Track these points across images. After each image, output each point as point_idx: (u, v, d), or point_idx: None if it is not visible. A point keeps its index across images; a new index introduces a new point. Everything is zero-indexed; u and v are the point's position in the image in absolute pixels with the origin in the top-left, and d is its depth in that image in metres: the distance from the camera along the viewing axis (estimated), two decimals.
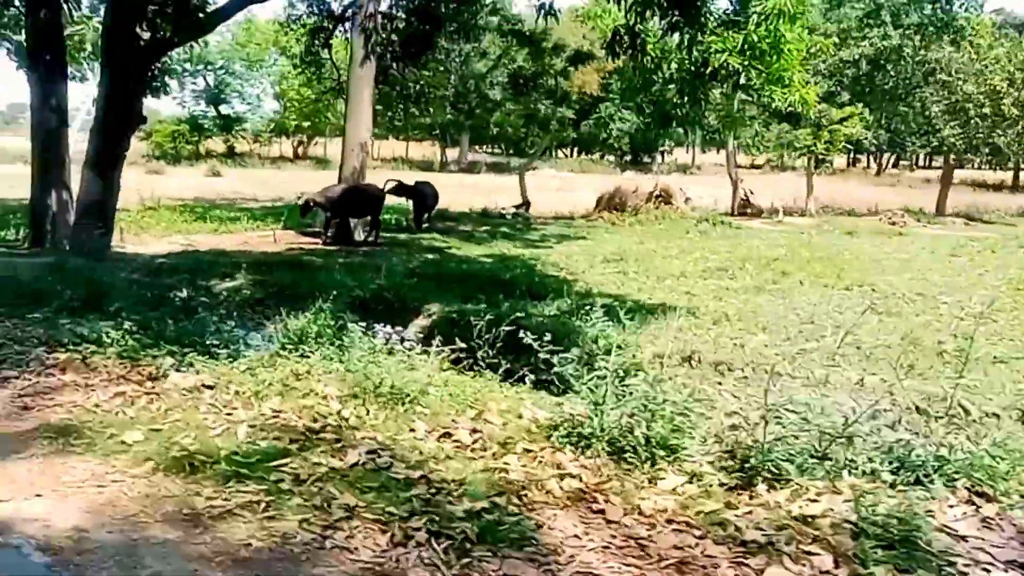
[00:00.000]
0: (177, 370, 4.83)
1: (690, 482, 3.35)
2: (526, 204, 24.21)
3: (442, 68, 27.91)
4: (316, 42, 20.27)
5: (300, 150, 56.29)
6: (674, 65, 10.00)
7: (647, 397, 3.71)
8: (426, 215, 20.53)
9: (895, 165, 75.40)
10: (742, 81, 7.70)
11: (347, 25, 19.17)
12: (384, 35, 16.64)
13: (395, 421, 3.84)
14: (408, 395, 4.08)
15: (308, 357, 4.84)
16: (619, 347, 8.93)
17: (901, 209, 26.33)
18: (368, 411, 3.97)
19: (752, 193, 26.47)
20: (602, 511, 3.10)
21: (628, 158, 68.37)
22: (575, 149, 73.77)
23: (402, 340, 5.05)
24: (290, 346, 4.98)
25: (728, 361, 8.11)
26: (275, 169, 49.49)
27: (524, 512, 3.04)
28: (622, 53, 9.91)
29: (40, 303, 7.62)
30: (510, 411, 4.10)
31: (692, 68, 8.83)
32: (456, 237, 19.10)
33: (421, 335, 10.07)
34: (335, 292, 11.01)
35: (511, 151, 68.78)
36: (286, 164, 53.23)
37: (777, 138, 71.78)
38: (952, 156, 33.44)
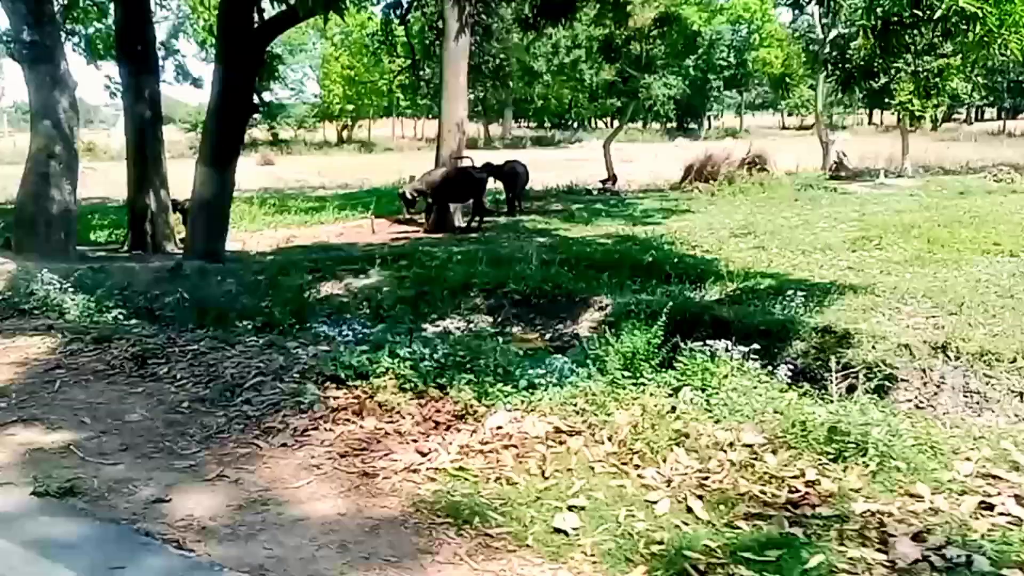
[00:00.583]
0: (485, 405, 3.93)
1: None
2: (613, 179, 23.07)
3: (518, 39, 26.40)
4: (393, 17, 19.21)
5: (345, 134, 55.45)
6: (862, 13, 8.80)
7: None
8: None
9: (947, 120, 72.55)
10: (977, 29, 6.45)
11: None
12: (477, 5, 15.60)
13: (881, 483, 2.89)
14: (858, 440, 3.11)
15: (644, 385, 3.90)
16: (848, 336, 8.02)
17: (1003, 164, 24.71)
18: (824, 467, 3.02)
19: (845, 155, 25.00)
20: None
21: (672, 125, 66.56)
22: (612, 119, 72.26)
23: (746, 356, 4.08)
24: (617, 371, 4.02)
25: (992, 350, 7.06)
26: (322, 155, 48.76)
27: None
28: (806, 3, 8.79)
29: (228, 319, 6.84)
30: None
31: (904, 14, 7.70)
32: (555, 217, 18.10)
33: (595, 329, 9.17)
34: (488, 286, 10.38)
35: (555, 124, 67.47)
36: (331, 149, 52.48)
37: (826, 96, 69.48)
38: None
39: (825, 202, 19.37)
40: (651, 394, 3.72)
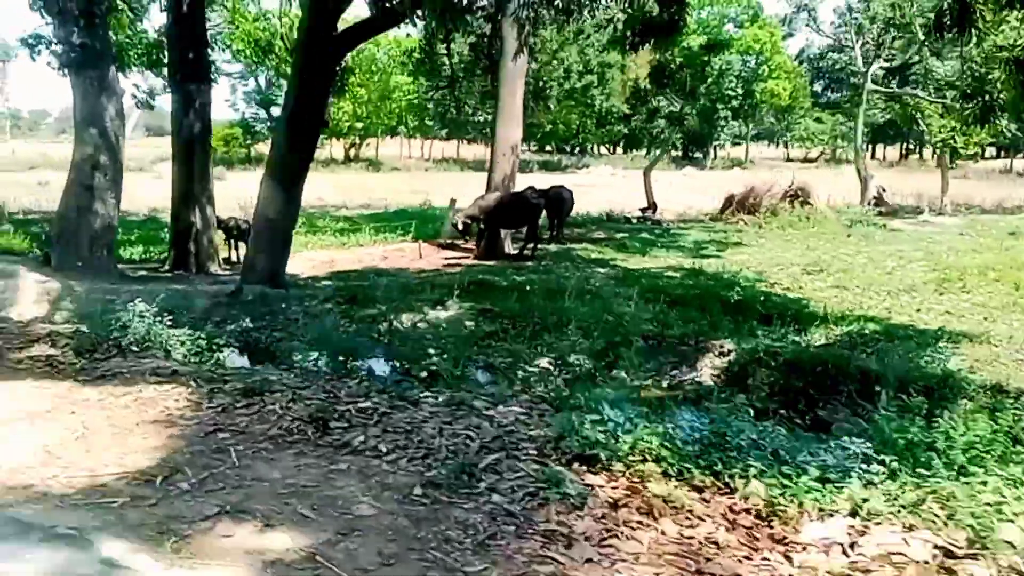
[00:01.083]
0: (790, 505, 3.16)
1: None
2: (653, 207, 22.43)
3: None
4: (437, 36, 18.54)
5: (352, 152, 54.74)
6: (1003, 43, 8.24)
7: None
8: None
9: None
10: None
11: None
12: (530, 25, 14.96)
13: None
14: None
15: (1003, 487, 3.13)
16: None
17: None
18: None
19: (885, 190, 24.54)
20: None
21: (679, 154, 66.36)
22: (615, 146, 71.98)
23: None
24: (959, 464, 3.25)
25: None
26: (329, 172, 47.95)
27: None
28: (947, 31, 8.22)
29: (352, 358, 6.04)
30: None
31: None
32: (605, 246, 17.40)
33: (720, 378, 8.40)
34: (586, 324, 9.57)
35: (560, 149, 67.09)
36: (338, 167, 51.73)
37: (832, 130, 69.80)
38: None
39: (879, 239, 18.82)
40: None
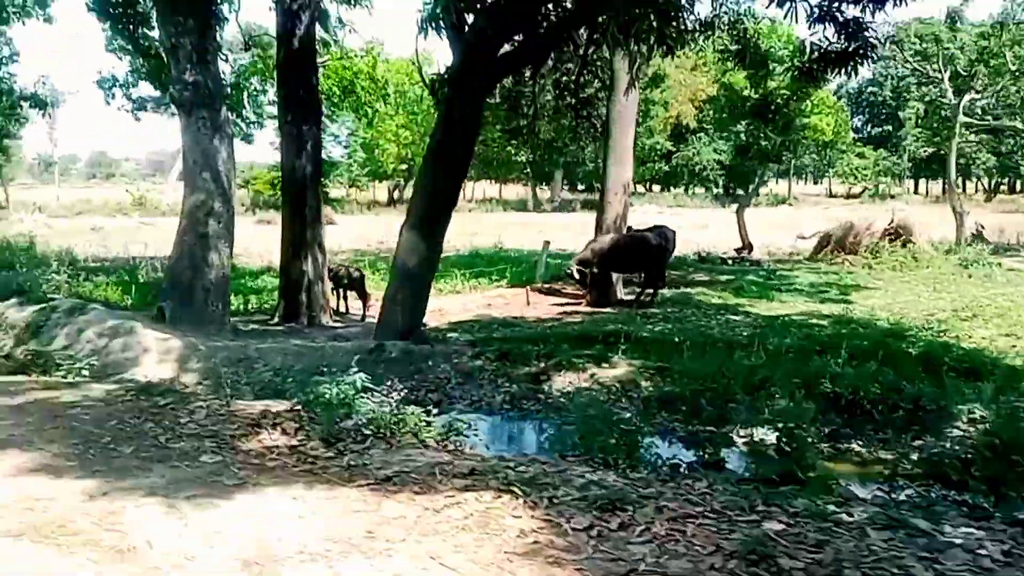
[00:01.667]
0: None
1: None
2: (748, 247, 21.41)
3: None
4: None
5: (396, 194, 54.39)
6: None
7: None
8: None
9: (997, 189, 71.35)
10: None
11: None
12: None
13: None
14: None
15: None
16: None
17: None
18: None
19: (983, 227, 23.39)
20: None
21: (720, 191, 65.48)
22: (650, 184, 71.09)
23: None
24: None
25: None
26: (373, 215, 47.56)
27: None
28: None
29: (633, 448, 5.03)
30: None
31: None
32: (717, 289, 16.40)
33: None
34: (796, 384, 8.52)
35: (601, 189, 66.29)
36: (381, 210, 51.27)
37: (874, 165, 68.58)
38: None
39: (1002, 279, 17.64)
40: None
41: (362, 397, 5.28)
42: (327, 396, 5.34)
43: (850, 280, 17.43)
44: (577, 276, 14.50)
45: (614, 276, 15.04)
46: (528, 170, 58.64)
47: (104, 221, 41.02)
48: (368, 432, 4.74)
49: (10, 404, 5.00)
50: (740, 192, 66.76)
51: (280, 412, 5.15)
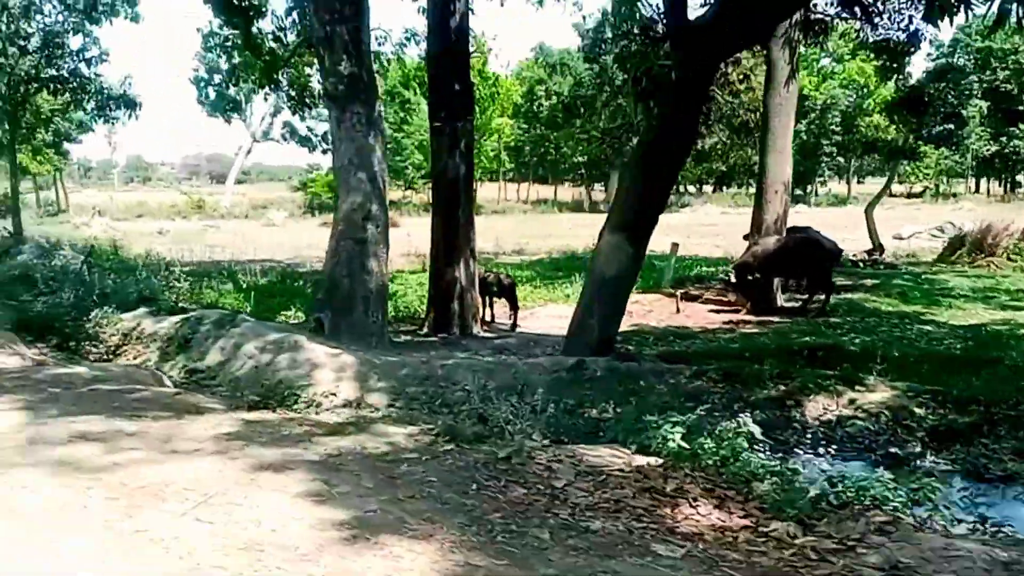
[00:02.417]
0: None
1: None
2: (880, 248, 20.00)
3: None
4: (629, 68, 16.25)
5: None
6: None
7: None
8: None
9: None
10: None
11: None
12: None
13: None
14: None
15: None
16: None
17: None
18: None
19: None
20: None
21: None
22: (701, 184, 69.18)
23: None
24: None
25: None
26: (430, 217, 46.60)
27: None
28: None
29: None
30: None
31: None
32: (872, 293, 15.06)
33: None
34: None
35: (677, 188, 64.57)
36: None
37: (936, 164, 66.35)
38: None
39: None
40: None
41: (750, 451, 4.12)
42: (709, 447, 4.18)
43: (1010, 284, 15.96)
44: (736, 280, 13.25)
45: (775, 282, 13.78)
46: (583, 171, 57.40)
47: (165, 224, 40.54)
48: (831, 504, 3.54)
49: (310, 460, 3.90)
50: (799, 191, 64.93)
51: (654, 467, 3.99)
